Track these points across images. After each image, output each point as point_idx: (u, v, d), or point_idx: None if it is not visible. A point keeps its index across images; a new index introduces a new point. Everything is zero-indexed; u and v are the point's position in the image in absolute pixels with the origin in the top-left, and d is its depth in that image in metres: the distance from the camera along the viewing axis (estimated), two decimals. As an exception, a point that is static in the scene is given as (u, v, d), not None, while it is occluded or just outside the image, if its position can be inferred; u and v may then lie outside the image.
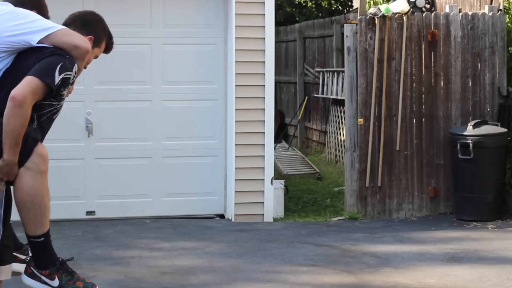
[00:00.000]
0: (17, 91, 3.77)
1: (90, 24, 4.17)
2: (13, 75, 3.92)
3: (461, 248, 7.73)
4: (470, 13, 9.76)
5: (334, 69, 13.97)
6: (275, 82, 9.82)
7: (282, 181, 9.84)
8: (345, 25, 10.12)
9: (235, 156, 9.07)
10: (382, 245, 7.91)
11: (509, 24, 10.26)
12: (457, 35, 9.64)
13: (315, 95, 14.84)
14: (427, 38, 9.57)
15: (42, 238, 4.00)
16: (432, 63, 9.61)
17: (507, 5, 10.53)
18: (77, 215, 9.02)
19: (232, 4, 9.03)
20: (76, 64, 3.99)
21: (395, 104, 9.52)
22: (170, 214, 9.21)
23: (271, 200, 9.19)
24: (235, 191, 9.10)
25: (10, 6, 4.07)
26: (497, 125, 9.45)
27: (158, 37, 9.14)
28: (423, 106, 9.64)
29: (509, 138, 9.41)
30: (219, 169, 9.31)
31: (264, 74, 9.11)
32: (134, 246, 7.78)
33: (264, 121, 9.14)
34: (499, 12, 9.76)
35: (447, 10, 9.85)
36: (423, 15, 9.61)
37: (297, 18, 19.32)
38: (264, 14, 9.07)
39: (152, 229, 8.60)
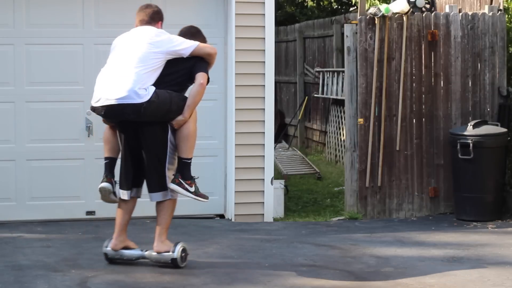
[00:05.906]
0: (203, 80, 6.55)
1: (196, 34, 6.92)
2: (177, 71, 6.60)
3: (461, 248, 7.74)
4: (470, 13, 9.77)
5: (334, 69, 13.97)
6: (275, 82, 9.82)
7: (282, 181, 9.83)
8: (345, 25, 10.12)
9: (235, 156, 9.07)
10: (382, 245, 7.91)
11: (509, 24, 10.26)
12: (457, 35, 9.64)
13: (315, 95, 14.84)
14: (427, 38, 9.57)
15: (190, 160, 6.66)
16: (432, 63, 9.61)
17: (507, 5, 10.53)
18: (77, 215, 9.01)
19: (232, 4, 9.03)
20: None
21: (395, 104, 9.52)
22: (170, 214, 9.18)
23: (271, 200, 9.19)
24: (235, 191, 9.10)
25: (161, 32, 6.77)
26: (497, 125, 9.45)
27: (158, 37, 9.12)
28: (423, 106, 9.64)
29: (509, 138, 9.41)
30: (219, 169, 9.31)
31: (264, 74, 9.11)
32: (134, 246, 7.75)
33: (264, 121, 9.14)
34: (499, 12, 9.76)
35: (447, 10, 9.85)
36: (423, 15, 9.61)
37: (297, 18, 19.30)
38: (264, 14, 9.07)
39: (152, 229, 8.52)
